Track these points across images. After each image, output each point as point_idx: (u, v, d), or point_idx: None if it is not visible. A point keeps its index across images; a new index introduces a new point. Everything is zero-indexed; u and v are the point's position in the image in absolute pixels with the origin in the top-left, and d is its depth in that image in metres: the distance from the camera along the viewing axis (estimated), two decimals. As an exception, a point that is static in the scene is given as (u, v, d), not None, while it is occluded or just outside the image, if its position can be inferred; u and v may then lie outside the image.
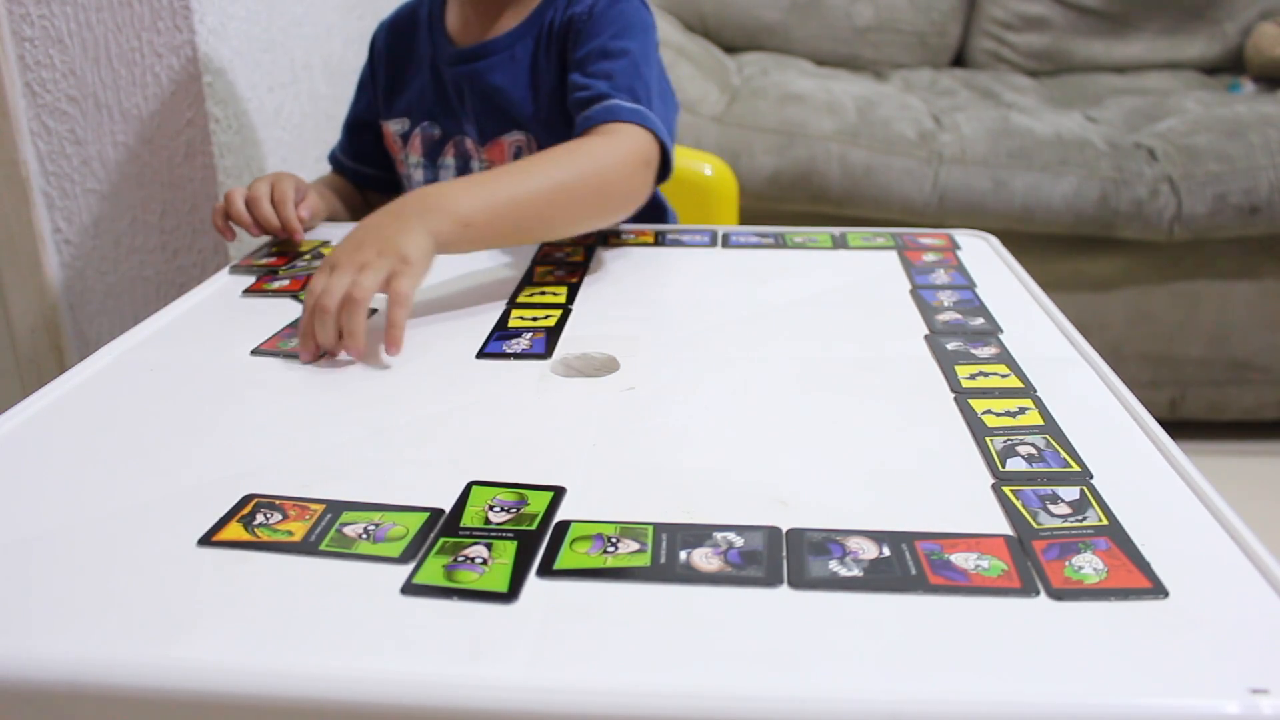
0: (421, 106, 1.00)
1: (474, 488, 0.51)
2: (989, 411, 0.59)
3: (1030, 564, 0.45)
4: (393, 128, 1.03)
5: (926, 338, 0.70)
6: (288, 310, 0.77)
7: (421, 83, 1.00)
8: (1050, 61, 2.23)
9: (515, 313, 0.75)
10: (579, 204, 0.81)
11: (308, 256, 0.88)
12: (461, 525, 0.48)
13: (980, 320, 0.73)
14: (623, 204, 0.85)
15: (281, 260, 0.87)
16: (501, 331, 0.72)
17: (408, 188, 1.05)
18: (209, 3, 1.18)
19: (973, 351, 0.67)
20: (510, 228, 0.78)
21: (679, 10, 2.22)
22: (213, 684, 0.38)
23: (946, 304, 0.76)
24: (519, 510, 0.49)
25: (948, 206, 1.71)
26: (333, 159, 1.11)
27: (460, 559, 0.45)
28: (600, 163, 0.82)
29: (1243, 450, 1.83)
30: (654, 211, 1.05)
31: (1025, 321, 0.73)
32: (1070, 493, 0.50)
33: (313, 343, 0.67)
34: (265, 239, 0.92)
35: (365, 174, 1.09)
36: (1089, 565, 0.44)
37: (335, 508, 0.49)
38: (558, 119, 0.92)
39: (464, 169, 1.00)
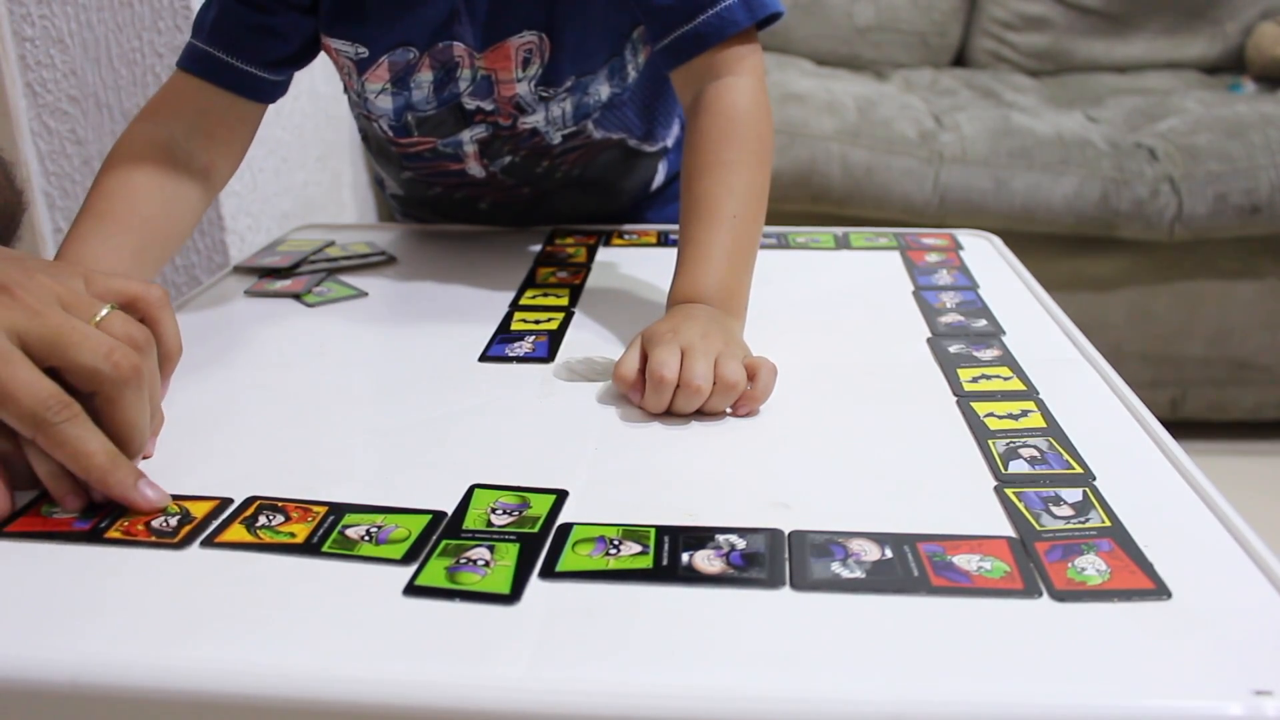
0: (395, 31, 0.78)
1: (476, 490, 0.51)
2: (991, 414, 0.59)
3: (1033, 565, 0.44)
4: (341, 49, 0.80)
5: (929, 340, 0.70)
6: (291, 311, 0.77)
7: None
8: (1051, 61, 2.23)
9: (518, 315, 0.75)
10: (765, 188, 0.73)
11: (313, 256, 0.88)
12: (464, 528, 0.48)
13: (983, 322, 0.73)
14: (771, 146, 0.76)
15: (285, 259, 0.87)
16: (504, 335, 0.72)
17: (353, 110, 0.91)
18: (210, 3, 1.18)
19: (975, 354, 0.67)
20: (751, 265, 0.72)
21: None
22: (214, 685, 0.38)
23: (949, 305, 0.76)
24: (521, 513, 0.49)
25: (948, 206, 1.71)
26: (197, 61, 0.76)
27: (462, 561, 0.45)
28: (763, 141, 0.73)
29: (1244, 450, 1.83)
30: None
31: (1028, 322, 0.73)
32: (1073, 494, 0.50)
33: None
34: (270, 240, 0.92)
35: (255, 81, 0.78)
36: (1092, 566, 0.44)
37: (337, 510, 0.49)
38: (582, 11, 0.79)
39: (445, 80, 0.81)
